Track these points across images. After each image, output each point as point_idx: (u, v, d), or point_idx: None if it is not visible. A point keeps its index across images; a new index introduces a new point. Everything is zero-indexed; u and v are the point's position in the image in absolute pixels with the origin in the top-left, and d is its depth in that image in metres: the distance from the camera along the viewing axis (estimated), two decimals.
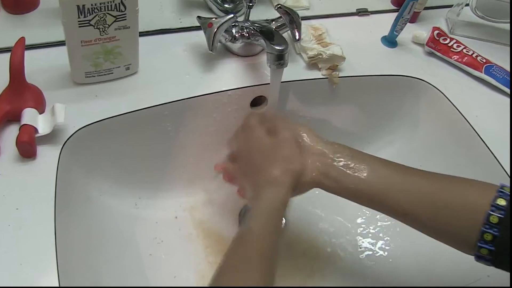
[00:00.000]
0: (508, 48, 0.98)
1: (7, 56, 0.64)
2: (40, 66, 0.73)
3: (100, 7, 0.65)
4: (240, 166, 0.69)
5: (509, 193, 0.57)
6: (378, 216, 0.87)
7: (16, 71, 0.65)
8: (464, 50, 0.92)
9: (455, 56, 0.92)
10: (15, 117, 0.65)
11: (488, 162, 0.78)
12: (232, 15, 0.75)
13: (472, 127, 0.82)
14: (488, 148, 0.79)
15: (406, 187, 0.62)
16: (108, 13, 0.66)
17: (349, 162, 0.63)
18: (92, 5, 0.64)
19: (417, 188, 0.61)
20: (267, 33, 0.75)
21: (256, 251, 0.56)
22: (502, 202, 0.56)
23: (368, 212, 0.88)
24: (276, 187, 0.61)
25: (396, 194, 0.61)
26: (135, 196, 0.80)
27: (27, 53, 0.65)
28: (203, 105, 0.78)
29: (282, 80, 0.77)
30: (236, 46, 0.81)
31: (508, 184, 0.59)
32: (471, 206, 0.58)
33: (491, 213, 0.56)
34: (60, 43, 0.72)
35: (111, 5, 0.65)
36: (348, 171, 0.63)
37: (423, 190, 0.61)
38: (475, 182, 0.61)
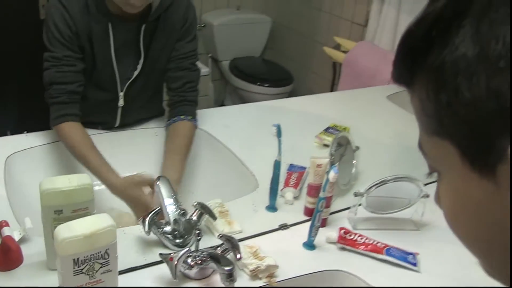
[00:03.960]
0: (398, 231, 1.25)
1: None
2: None
3: (91, 257, 0.85)
4: None
5: None
6: None
7: None
8: (366, 240, 1.16)
9: (361, 247, 1.15)
10: None
11: None
12: (187, 249, 0.98)
13: None
14: None
15: None
16: (96, 262, 0.86)
17: None
18: (84, 256, 0.84)
19: None
20: (216, 258, 0.98)
21: None
22: None
23: None
24: None
25: None
26: None
27: None
28: None
29: None
30: (193, 272, 1.01)
31: None
32: None
33: None
34: None
35: (98, 255, 0.86)
36: None
37: None
38: None
